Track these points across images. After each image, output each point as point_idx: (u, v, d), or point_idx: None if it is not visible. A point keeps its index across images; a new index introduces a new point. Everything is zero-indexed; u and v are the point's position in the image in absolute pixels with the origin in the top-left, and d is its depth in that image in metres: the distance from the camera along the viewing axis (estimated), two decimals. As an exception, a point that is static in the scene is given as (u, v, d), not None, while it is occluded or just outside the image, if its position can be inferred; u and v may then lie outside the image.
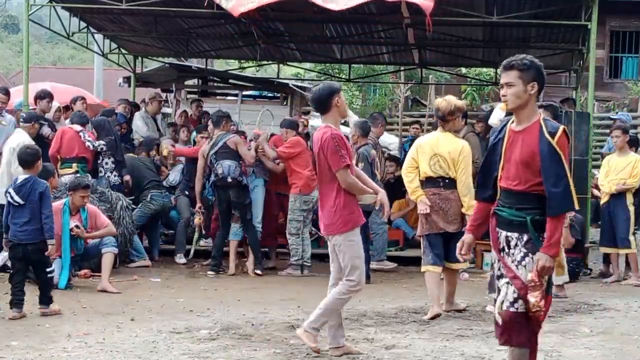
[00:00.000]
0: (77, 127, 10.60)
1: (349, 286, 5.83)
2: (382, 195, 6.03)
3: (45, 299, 7.35)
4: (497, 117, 7.51)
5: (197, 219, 10.65)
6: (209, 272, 10.01)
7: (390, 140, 15.03)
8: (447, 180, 7.63)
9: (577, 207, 4.48)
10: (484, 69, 18.28)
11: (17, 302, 7.22)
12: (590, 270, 10.63)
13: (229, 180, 9.94)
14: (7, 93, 11.72)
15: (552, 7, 11.17)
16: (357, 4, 10.34)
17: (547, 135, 4.44)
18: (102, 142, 10.58)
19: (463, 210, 7.59)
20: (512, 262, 4.55)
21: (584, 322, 7.36)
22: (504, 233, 4.61)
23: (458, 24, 12.61)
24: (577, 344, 6.46)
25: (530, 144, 4.48)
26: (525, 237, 4.51)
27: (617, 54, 21.32)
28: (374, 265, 10.38)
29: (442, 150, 7.61)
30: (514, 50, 15.08)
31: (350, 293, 5.87)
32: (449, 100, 7.70)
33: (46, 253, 7.31)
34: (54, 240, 7.42)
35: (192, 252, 11.01)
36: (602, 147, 13.03)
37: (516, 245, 4.55)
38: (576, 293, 9.17)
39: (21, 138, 9.60)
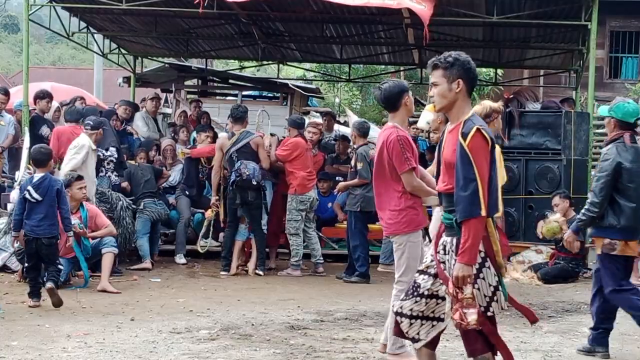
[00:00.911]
0: (75, 126, 10.62)
1: (400, 289, 5.61)
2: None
3: (55, 279, 7.73)
4: (424, 119, 7.49)
5: (210, 212, 10.51)
6: (222, 273, 9.98)
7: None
8: None
9: (484, 213, 4.14)
10: (484, 69, 18.28)
11: (34, 292, 7.73)
12: (591, 270, 10.61)
13: (254, 182, 9.85)
14: (6, 93, 11.73)
15: (552, 7, 11.17)
16: (361, 4, 10.35)
17: (459, 137, 4.24)
18: (111, 152, 10.58)
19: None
20: (447, 269, 4.35)
21: (584, 322, 7.35)
22: (442, 238, 4.44)
23: (458, 24, 12.63)
24: (577, 344, 6.46)
25: (452, 144, 4.31)
26: (455, 242, 4.29)
27: (617, 54, 21.32)
28: (380, 268, 10.40)
29: None
30: (514, 50, 15.23)
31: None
32: (483, 104, 7.68)
33: (67, 245, 8.08)
34: (72, 232, 8.05)
35: (206, 247, 10.85)
36: (602, 147, 13.00)
37: (449, 251, 4.35)
38: (576, 293, 9.17)
39: (86, 141, 9.69)
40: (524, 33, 13.39)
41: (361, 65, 20.35)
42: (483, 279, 4.24)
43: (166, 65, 16.30)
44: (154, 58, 16.81)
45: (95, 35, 14.60)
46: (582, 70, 13.49)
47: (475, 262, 4.19)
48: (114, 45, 14.98)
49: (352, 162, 10.15)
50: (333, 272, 10.24)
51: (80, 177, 9.02)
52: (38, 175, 7.83)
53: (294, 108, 16.48)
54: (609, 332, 6.27)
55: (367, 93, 24.04)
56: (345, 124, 16.09)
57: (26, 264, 8.10)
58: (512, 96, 11.66)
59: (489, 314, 4.25)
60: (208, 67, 16.82)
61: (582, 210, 6.17)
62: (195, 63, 18.10)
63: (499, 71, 16.64)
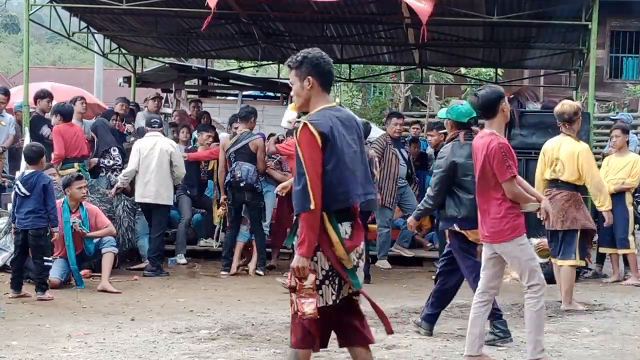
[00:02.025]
0: (77, 125, 10.65)
1: (534, 292, 5.57)
2: (545, 202, 5.92)
3: (43, 286, 8.07)
4: (286, 118, 7.62)
5: (221, 210, 10.55)
6: (222, 273, 9.99)
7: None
8: (559, 182, 7.99)
9: (313, 207, 4.19)
10: (484, 69, 18.27)
11: (15, 284, 8.18)
12: (591, 270, 10.61)
13: (242, 184, 9.89)
14: (6, 93, 11.73)
15: (553, 7, 11.17)
16: None
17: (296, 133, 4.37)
18: (114, 156, 10.69)
19: (597, 207, 8.31)
20: None
21: (584, 322, 7.35)
22: None
23: (458, 24, 12.62)
24: (577, 344, 6.46)
25: None
26: None
27: (617, 54, 21.32)
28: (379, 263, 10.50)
29: (561, 155, 7.94)
30: (515, 50, 15.23)
31: (539, 298, 5.60)
32: (570, 103, 8.06)
33: (52, 240, 8.19)
34: (58, 227, 8.24)
35: (217, 242, 10.88)
36: (602, 147, 13.02)
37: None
38: (576, 293, 9.15)
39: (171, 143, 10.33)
40: (524, 33, 13.38)
41: (361, 65, 20.34)
42: (313, 271, 4.33)
43: (166, 65, 16.30)
44: (154, 58, 16.82)
45: (96, 35, 14.61)
46: (582, 70, 13.49)
47: (310, 254, 4.27)
48: (114, 45, 14.98)
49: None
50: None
51: (80, 177, 9.04)
52: (28, 172, 8.31)
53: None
54: (439, 313, 6.94)
55: (367, 93, 24.05)
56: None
57: (13, 255, 8.60)
58: (512, 96, 11.66)
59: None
60: (208, 67, 16.81)
61: (422, 201, 6.94)
62: (195, 63, 18.10)
63: (499, 71, 16.63)
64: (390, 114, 12.07)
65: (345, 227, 4.37)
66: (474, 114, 6.75)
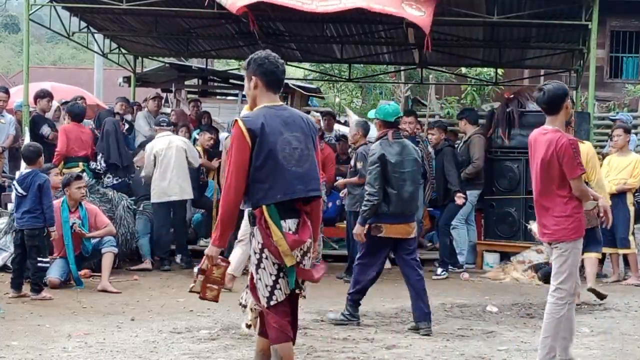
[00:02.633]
0: (86, 128, 10.71)
1: (560, 297, 5.48)
2: (602, 201, 5.93)
3: (35, 287, 8.08)
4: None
5: None
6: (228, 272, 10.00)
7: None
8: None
9: (229, 199, 4.49)
10: (484, 69, 18.26)
11: (15, 284, 8.19)
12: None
13: None
14: (7, 92, 11.73)
15: (553, 7, 11.16)
16: (363, 6, 10.37)
17: None
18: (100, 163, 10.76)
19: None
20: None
21: (585, 322, 7.36)
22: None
23: (458, 24, 12.61)
24: (577, 344, 6.45)
25: None
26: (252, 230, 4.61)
27: (617, 54, 21.31)
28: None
29: None
30: (515, 50, 15.21)
31: (564, 307, 5.48)
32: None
33: (51, 240, 8.26)
34: (55, 227, 8.25)
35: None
36: (602, 147, 13.02)
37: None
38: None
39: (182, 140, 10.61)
40: (525, 33, 13.38)
41: (361, 65, 20.32)
42: (264, 269, 4.49)
43: (166, 65, 16.29)
44: (154, 58, 16.81)
45: (96, 35, 14.60)
46: (582, 70, 13.48)
47: (223, 245, 4.56)
48: (114, 45, 14.97)
49: (352, 162, 10.13)
50: (333, 272, 10.22)
51: (79, 177, 9.04)
52: (25, 172, 8.37)
53: (295, 108, 16.46)
54: (359, 301, 7.24)
55: (367, 93, 24.03)
56: (346, 123, 16.09)
57: (13, 255, 8.64)
58: (512, 96, 11.67)
59: (272, 302, 4.47)
60: (208, 67, 16.80)
61: (363, 202, 7.02)
62: (195, 63, 18.09)
63: (500, 71, 16.63)
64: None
65: (290, 224, 4.47)
66: (401, 114, 7.41)
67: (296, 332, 4.70)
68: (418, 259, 7.16)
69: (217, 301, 4.70)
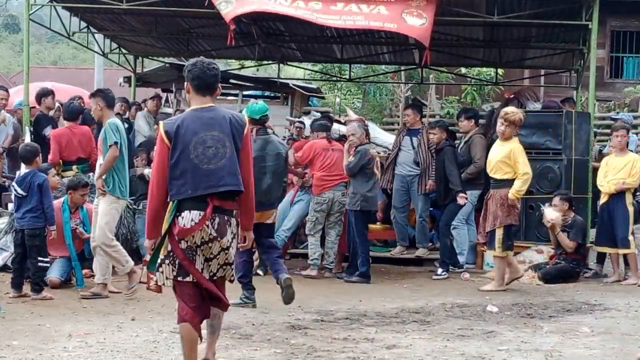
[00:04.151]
0: (82, 127, 10.62)
1: None
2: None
3: (36, 287, 8.09)
4: None
5: None
6: None
7: (390, 140, 15.02)
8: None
9: (151, 195, 5.10)
10: (484, 69, 18.25)
11: (16, 283, 8.18)
12: (591, 270, 10.63)
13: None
14: (6, 91, 11.71)
15: (553, 7, 11.16)
16: (366, 27, 10.50)
17: None
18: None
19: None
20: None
21: (585, 322, 7.36)
22: None
23: (458, 24, 12.61)
24: (577, 344, 6.46)
25: None
26: None
27: (617, 54, 21.30)
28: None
29: None
30: (515, 50, 15.21)
31: None
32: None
33: (49, 239, 8.23)
34: (55, 226, 8.25)
35: None
36: (603, 147, 13.01)
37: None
38: (577, 293, 9.17)
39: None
40: (525, 33, 13.37)
41: (361, 65, 20.31)
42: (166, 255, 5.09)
43: (167, 65, 16.28)
44: (155, 58, 16.80)
45: (96, 35, 14.60)
46: (582, 70, 13.47)
47: (153, 237, 5.15)
48: (114, 45, 14.97)
49: (350, 157, 9.96)
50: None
51: (86, 184, 9.05)
52: (24, 172, 8.42)
53: (295, 108, 16.47)
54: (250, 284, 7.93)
55: (367, 93, 24.01)
56: (346, 123, 16.07)
57: (13, 255, 8.64)
58: (512, 96, 11.69)
59: (161, 283, 5.12)
60: (208, 67, 16.77)
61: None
62: (195, 63, 18.06)
63: (500, 71, 16.62)
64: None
65: (194, 215, 4.90)
66: (266, 113, 7.96)
67: (210, 313, 5.29)
68: (274, 242, 8.19)
69: (160, 292, 5.23)
